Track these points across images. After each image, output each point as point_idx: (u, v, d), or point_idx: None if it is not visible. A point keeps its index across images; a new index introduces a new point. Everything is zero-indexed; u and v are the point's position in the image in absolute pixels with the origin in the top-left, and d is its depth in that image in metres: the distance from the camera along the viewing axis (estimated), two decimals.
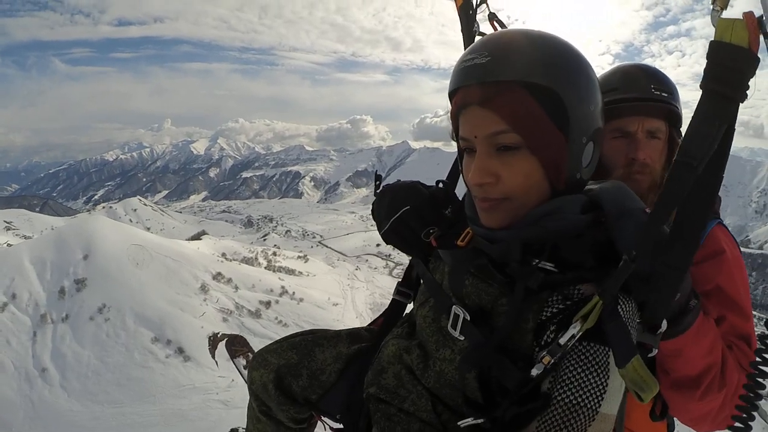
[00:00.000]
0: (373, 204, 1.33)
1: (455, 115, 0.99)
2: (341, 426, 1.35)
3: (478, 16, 1.43)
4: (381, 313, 1.52)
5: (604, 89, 1.34)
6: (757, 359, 0.93)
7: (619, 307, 0.83)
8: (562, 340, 0.81)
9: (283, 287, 68.27)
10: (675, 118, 1.43)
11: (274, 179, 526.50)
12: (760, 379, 0.95)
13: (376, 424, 1.12)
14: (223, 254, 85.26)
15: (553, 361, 0.82)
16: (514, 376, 0.87)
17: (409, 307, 1.39)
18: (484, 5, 1.41)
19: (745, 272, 1.36)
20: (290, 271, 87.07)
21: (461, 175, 1.07)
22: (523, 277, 0.89)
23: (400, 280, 1.46)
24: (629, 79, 1.44)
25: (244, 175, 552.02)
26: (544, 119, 0.89)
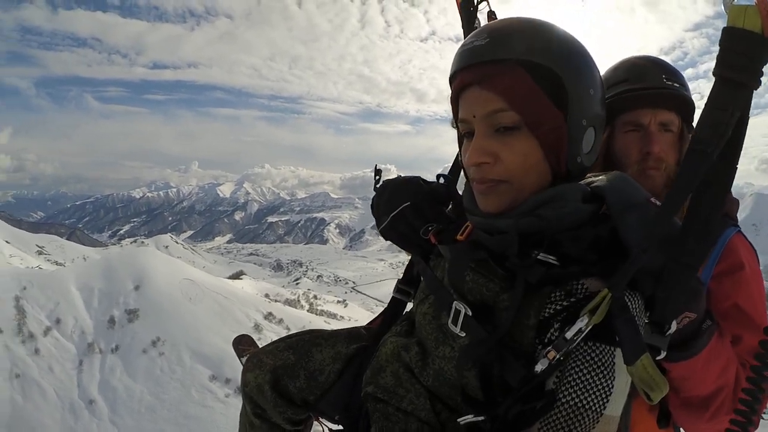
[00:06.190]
0: (373, 199, 1.29)
1: (455, 99, 0.99)
2: (340, 427, 1.31)
3: (478, 14, 1.43)
4: (380, 312, 1.43)
5: (613, 82, 1.40)
6: (758, 363, 0.89)
7: (626, 302, 0.82)
8: (569, 334, 0.78)
9: None
10: (687, 110, 1.35)
11: (299, 225, 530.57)
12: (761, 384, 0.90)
13: (374, 424, 1.09)
14: (267, 295, 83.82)
15: (558, 356, 0.79)
16: (518, 371, 0.84)
17: (409, 305, 1.34)
18: (485, 3, 1.41)
19: (764, 287, 1.26)
20: (332, 315, 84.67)
21: (462, 168, 1.08)
22: (523, 271, 0.86)
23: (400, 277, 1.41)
24: (639, 70, 1.39)
25: (270, 219, 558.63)
26: (542, 97, 0.89)
